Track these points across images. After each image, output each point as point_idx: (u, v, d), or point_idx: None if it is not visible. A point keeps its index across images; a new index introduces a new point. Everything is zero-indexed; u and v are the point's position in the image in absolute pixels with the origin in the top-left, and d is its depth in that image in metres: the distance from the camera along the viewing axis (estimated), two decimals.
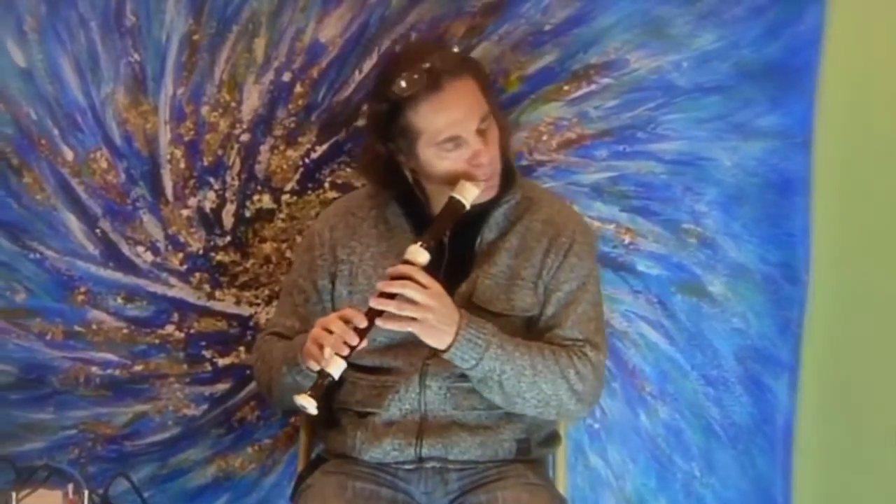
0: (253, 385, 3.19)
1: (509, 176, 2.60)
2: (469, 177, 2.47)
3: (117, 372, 3.21)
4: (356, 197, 2.73)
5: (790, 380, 3.22)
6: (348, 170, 3.20)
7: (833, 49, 3.12)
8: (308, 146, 3.20)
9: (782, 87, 3.15)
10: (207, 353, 3.23)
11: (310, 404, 2.34)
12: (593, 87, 3.17)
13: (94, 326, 3.20)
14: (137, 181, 3.19)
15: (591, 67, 3.16)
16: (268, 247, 3.21)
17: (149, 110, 3.17)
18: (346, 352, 2.36)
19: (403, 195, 2.61)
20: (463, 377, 2.53)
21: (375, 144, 2.57)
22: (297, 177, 3.21)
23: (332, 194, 3.18)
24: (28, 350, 3.18)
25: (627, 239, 3.21)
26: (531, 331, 2.56)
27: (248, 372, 3.22)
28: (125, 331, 3.21)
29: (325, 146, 3.20)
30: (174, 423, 3.23)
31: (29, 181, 3.16)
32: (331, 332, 2.37)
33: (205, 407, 3.23)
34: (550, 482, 2.69)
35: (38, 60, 3.13)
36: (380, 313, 2.38)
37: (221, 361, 3.23)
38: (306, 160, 3.20)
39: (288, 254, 3.20)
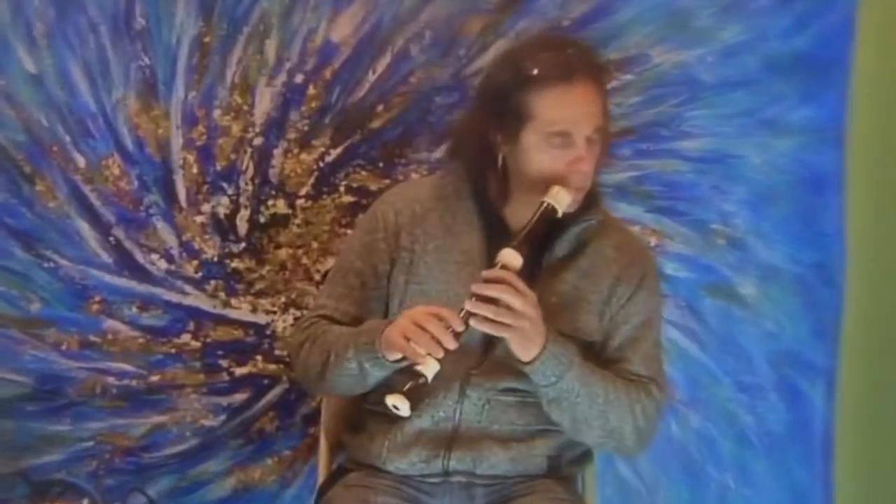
0: (272, 395, 3.22)
1: (595, 196, 2.56)
2: (563, 182, 2.41)
3: (134, 382, 3.22)
4: (425, 184, 2.66)
5: (827, 385, 3.22)
6: (364, 173, 3.20)
7: (865, 39, 3.11)
8: (322, 149, 3.19)
9: (813, 80, 3.14)
10: (224, 363, 3.24)
11: (403, 405, 2.29)
12: (614, 83, 3.13)
13: (110, 336, 3.21)
14: (150, 187, 3.19)
15: (612, 63, 3.13)
16: (283, 253, 3.21)
17: (160, 115, 3.17)
18: (440, 354, 2.30)
19: (481, 192, 2.55)
20: (506, 391, 2.50)
21: (481, 114, 2.49)
22: (311, 181, 3.21)
23: (347, 198, 3.19)
24: (43, 361, 3.18)
25: (654, 241, 3.20)
26: (589, 356, 2.52)
27: (265, 381, 3.23)
28: (141, 340, 3.22)
29: (339, 149, 3.20)
30: (192, 435, 3.24)
31: (41, 189, 3.17)
32: (423, 330, 2.32)
33: (223, 418, 3.24)
34: (580, 497, 2.66)
35: (48, 66, 3.13)
36: (474, 315, 2.34)
37: (239, 371, 3.24)
38: (321, 164, 3.20)
39: (304, 260, 3.21)
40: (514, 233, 2.44)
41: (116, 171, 3.19)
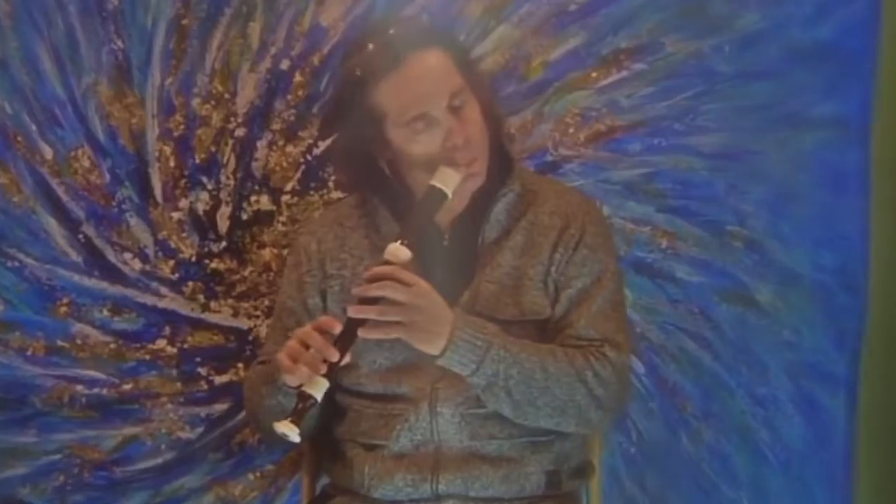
0: None
1: (504, 164, 2.54)
2: (447, 161, 2.41)
3: (105, 391, 3.19)
4: (343, 206, 2.67)
5: (848, 398, 3.19)
6: None
7: (892, 28, 3.09)
8: (310, 141, 3.17)
9: (836, 72, 3.11)
10: (203, 371, 3.21)
11: (291, 432, 2.24)
12: (625, 73, 3.13)
13: (79, 341, 3.18)
14: (123, 181, 3.17)
15: (622, 52, 3.13)
16: (267, 253, 3.19)
17: (134, 103, 3.15)
18: (324, 370, 2.27)
19: (390, 197, 2.55)
20: (479, 402, 2.45)
21: (345, 135, 2.55)
22: (298, 175, 3.18)
23: (336, 194, 3.15)
24: (7, 367, 3.16)
25: (665, 243, 3.17)
26: (545, 336, 2.49)
27: None
28: (112, 346, 3.19)
29: (328, 141, 3.14)
30: (167, 448, 3.21)
31: (5, 182, 3.14)
32: (307, 347, 2.29)
33: (201, 429, 3.21)
34: None
35: (12, 49, 3.11)
36: (361, 322, 2.30)
37: (218, 379, 3.21)
38: (308, 157, 3.18)
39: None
40: (405, 225, 2.41)
41: (86, 164, 3.17)
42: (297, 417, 2.25)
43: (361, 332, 2.30)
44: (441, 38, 2.51)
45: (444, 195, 2.38)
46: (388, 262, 2.33)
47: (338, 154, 2.65)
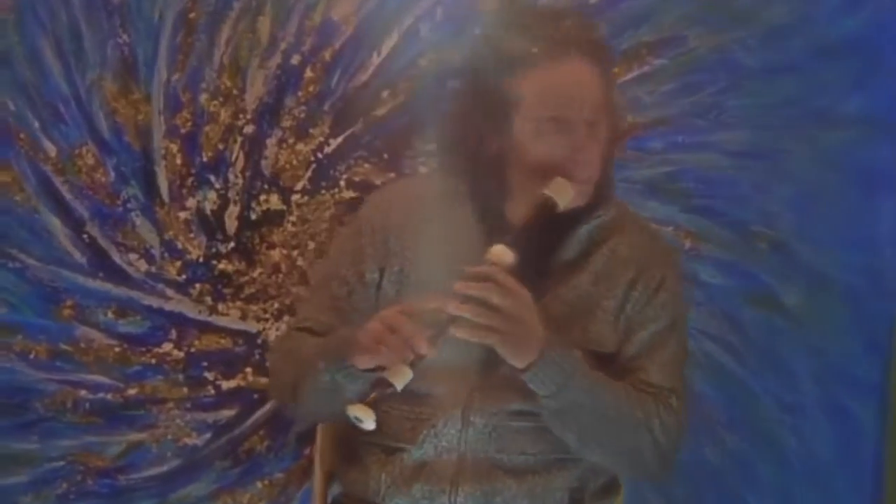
0: (262, 412, 3.20)
1: (605, 189, 2.46)
2: (564, 172, 2.32)
3: (109, 396, 3.19)
4: (417, 183, 2.61)
5: (878, 405, 3.19)
6: (367, 165, 3.18)
7: None
8: (321, 139, 3.17)
9: (865, 66, 3.12)
10: (210, 375, 3.21)
11: (367, 416, 2.14)
12: (646, 68, 3.14)
13: (83, 345, 3.18)
14: (129, 180, 3.17)
15: (644, 46, 3.13)
16: (276, 254, 3.19)
17: (140, 99, 3.15)
18: (410, 357, 2.17)
19: (481, 190, 2.45)
20: (516, 414, 2.39)
21: (467, 106, 2.41)
22: (308, 174, 3.18)
23: (348, 194, 3.16)
24: (9, 371, 3.15)
25: (688, 244, 3.17)
26: (603, 369, 2.41)
27: (255, 396, 3.20)
28: (117, 349, 3.19)
29: (339, 139, 3.17)
30: (173, 455, 3.21)
31: (7, 180, 3.13)
32: (394, 332, 2.20)
33: (208, 436, 3.21)
34: None
35: (14, 44, 3.10)
36: (454, 318, 2.23)
37: (226, 384, 3.21)
38: (319, 155, 3.18)
39: (300, 262, 3.19)
40: (511, 231, 2.34)
41: (91, 161, 3.16)
42: (374, 403, 2.17)
43: (454, 329, 2.22)
44: (601, 48, 2.42)
45: (556, 207, 2.31)
46: (489, 263, 2.25)
47: (449, 120, 2.50)
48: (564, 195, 2.30)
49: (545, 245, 2.39)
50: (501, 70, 2.33)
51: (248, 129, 3.17)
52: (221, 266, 3.20)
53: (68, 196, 3.16)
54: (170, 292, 3.20)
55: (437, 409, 2.38)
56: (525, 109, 2.33)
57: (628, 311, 2.42)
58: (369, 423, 2.14)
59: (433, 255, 2.41)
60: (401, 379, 2.15)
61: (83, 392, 3.18)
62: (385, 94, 3.15)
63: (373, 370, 2.23)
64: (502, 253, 2.24)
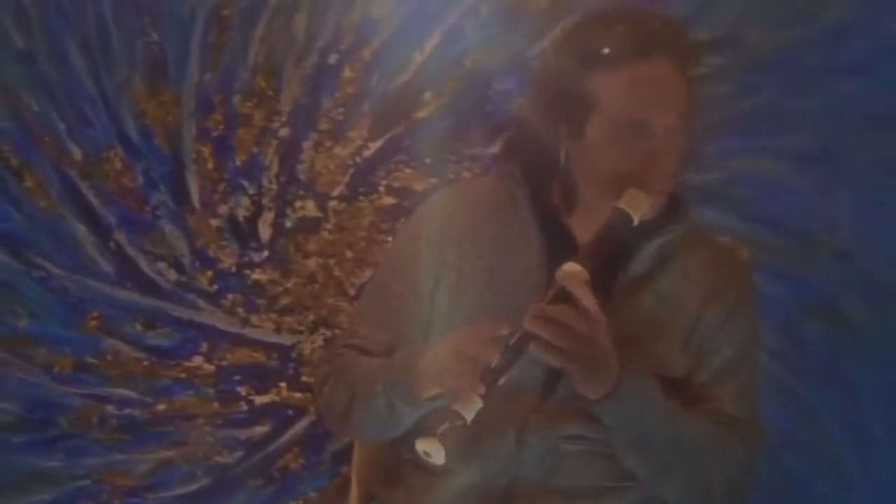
0: (297, 428, 3.21)
1: (675, 202, 2.40)
2: (639, 182, 2.24)
3: (137, 412, 3.20)
4: (474, 188, 2.51)
5: None
6: (407, 170, 3.17)
7: None
8: (359, 142, 3.17)
9: None
10: (242, 390, 3.21)
11: (437, 451, 2.10)
12: (702, 69, 2.92)
13: (109, 357, 3.19)
14: (158, 185, 3.18)
15: (699, 45, 2.93)
16: (312, 263, 3.19)
17: (170, 100, 3.15)
18: (484, 389, 2.11)
19: (542, 198, 2.39)
20: (571, 439, 2.33)
21: (539, 104, 2.34)
22: (346, 179, 3.18)
23: (388, 200, 3.17)
24: (32, 385, 3.17)
25: (745, 253, 3.06)
26: (673, 397, 2.36)
27: (290, 412, 3.21)
28: (145, 363, 3.20)
29: (379, 142, 3.17)
30: (204, 473, 3.21)
31: (31, 185, 3.15)
32: (465, 360, 2.15)
33: (240, 453, 3.22)
34: None
35: (39, 42, 3.12)
36: (532, 338, 2.16)
37: (259, 400, 3.22)
38: (357, 159, 3.17)
39: (336, 272, 3.19)
40: (581, 247, 2.27)
41: (118, 166, 3.17)
42: (448, 437, 2.10)
43: (532, 348, 2.14)
44: (688, 50, 2.36)
45: (630, 221, 2.23)
46: (563, 283, 2.17)
47: (520, 117, 2.50)
48: (639, 208, 2.22)
49: (611, 260, 2.32)
50: (579, 69, 2.26)
51: (284, 131, 3.17)
52: (255, 276, 3.20)
53: (95, 202, 3.16)
54: (200, 303, 3.20)
55: (490, 429, 2.30)
56: (603, 111, 2.26)
57: (701, 334, 2.35)
58: (439, 458, 2.09)
59: (490, 267, 2.36)
60: (471, 410, 2.10)
61: (109, 407, 3.18)
62: (427, 94, 3.13)
63: (434, 398, 2.21)
64: (577, 273, 2.16)
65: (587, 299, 2.14)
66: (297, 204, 3.17)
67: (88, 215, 3.15)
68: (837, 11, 3.07)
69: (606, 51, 2.23)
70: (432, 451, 2.08)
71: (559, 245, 2.32)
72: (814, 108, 3.09)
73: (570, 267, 2.16)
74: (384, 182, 3.16)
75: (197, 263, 3.19)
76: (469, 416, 2.09)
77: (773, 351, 3.11)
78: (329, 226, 3.17)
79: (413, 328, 2.37)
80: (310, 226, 3.18)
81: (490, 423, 2.26)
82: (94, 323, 3.16)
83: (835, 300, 3.14)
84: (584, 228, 2.31)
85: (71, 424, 3.16)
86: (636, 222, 2.22)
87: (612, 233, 2.22)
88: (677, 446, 2.26)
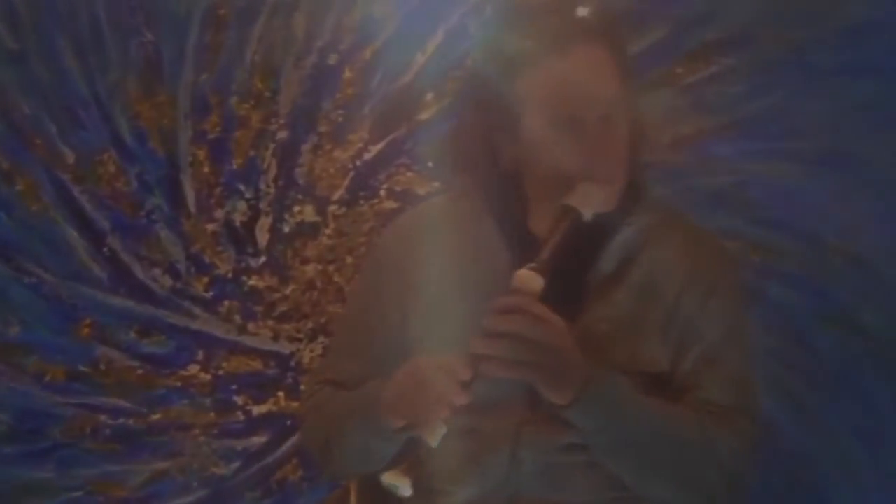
0: (295, 439, 3.19)
1: (636, 189, 2.38)
2: (586, 176, 2.22)
3: (131, 422, 3.19)
4: (434, 207, 2.51)
5: None
6: (409, 174, 3.18)
7: None
8: (360, 145, 3.17)
9: None
10: (239, 400, 3.21)
11: (403, 483, 2.11)
12: (713, 69, 3.09)
13: (103, 366, 3.18)
14: (153, 189, 3.18)
15: (710, 45, 3.09)
16: (311, 269, 3.19)
17: (165, 102, 3.16)
18: (447, 413, 2.10)
19: (500, 205, 2.40)
20: (569, 449, 2.31)
21: (470, 119, 2.35)
22: (346, 183, 3.18)
23: (389, 204, 3.17)
24: (23, 395, 3.17)
25: (757, 259, 3.11)
26: (657, 392, 2.34)
27: (288, 423, 3.20)
28: (140, 371, 3.19)
29: (380, 145, 3.16)
30: (200, 485, 3.21)
31: (22, 189, 3.16)
32: (424, 387, 2.15)
33: (237, 465, 3.21)
34: None
35: (31, 42, 3.13)
36: (484, 358, 2.17)
37: (256, 409, 3.21)
38: (357, 162, 3.17)
39: (336, 278, 3.19)
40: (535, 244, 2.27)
41: (112, 169, 3.17)
42: (410, 469, 2.13)
43: (484, 369, 2.15)
44: (610, 32, 2.35)
45: (579, 217, 2.23)
46: (516, 291, 2.18)
47: (455, 141, 2.48)
48: (590, 202, 2.21)
49: (579, 259, 2.31)
50: (503, 74, 2.27)
51: (282, 134, 3.17)
52: (252, 282, 3.19)
53: (88, 206, 3.16)
54: (196, 310, 3.20)
55: (482, 446, 2.30)
56: (532, 114, 2.26)
57: (679, 324, 2.32)
58: (405, 490, 2.12)
59: (460, 284, 2.35)
60: (435, 437, 2.11)
61: (103, 417, 3.17)
62: (429, 96, 3.12)
63: (403, 429, 2.21)
64: (529, 279, 2.15)
65: (538, 306, 2.13)
66: (296, 208, 3.17)
67: (81, 220, 3.15)
68: (852, 11, 3.05)
69: (518, 49, 2.23)
70: (399, 483, 2.10)
71: (526, 250, 2.29)
72: (827, 110, 3.07)
73: (522, 275, 2.15)
74: (385, 186, 3.15)
75: (193, 269, 3.18)
76: (434, 442, 2.10)
77: (787, 361, 3.10)
78: (328, 231, 3.17)
79: (388, 359, 2.35)
80: (309, 231, 3.17)
81: (482, 441, 2.28)
82: (86, 330, 3.15)
83: (850, 308, 3.11)
84: (544, 230, 2.29)
85: (63, 435, 3.15)
86: (588, 218, 2.20)
87: (565, 231, 2.20)
88: (661, 444, 2.24)
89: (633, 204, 2.34)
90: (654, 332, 2.31)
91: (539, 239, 2.29)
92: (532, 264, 2.17)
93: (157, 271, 3.17)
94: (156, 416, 3.17)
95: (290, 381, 3.18)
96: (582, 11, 2.28)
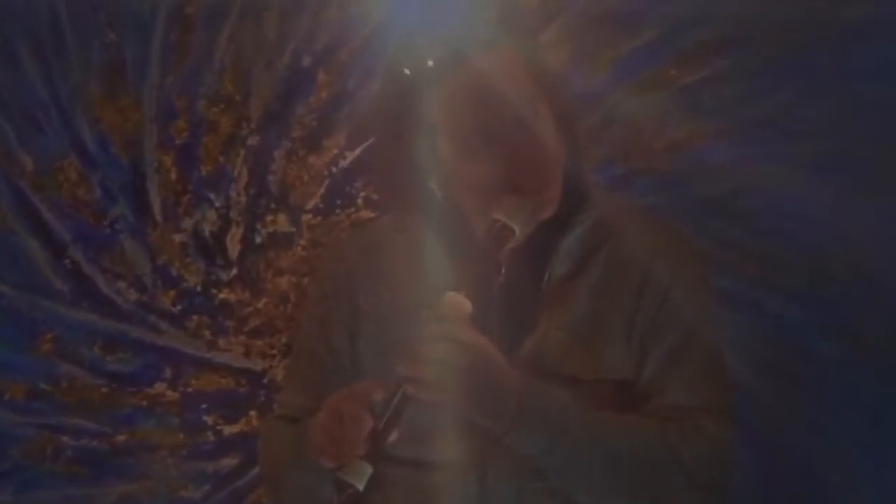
0: None
1: (578, 189, 2.34)
2: (510, 187, 2.20)
3: (95, 443, 3.17)
4: (379, 228, 2.49)
5: None
6: None
7: None
8: (335, 151, 3.15)
9: None
10: (209, 419, 3.19)
11: None
12: (708, 71, 3.07)
13: (65, 384, 3.16)
14: (116, 197, 3.16)
15: (706, 46, 3.07)
16: (285, 282, 3.18)
17: (129, 106, 3.14)
18: (365, 450, 2.08)
19: (439, 222, 2.37)
20: (540, 474, 2.25)
21: (389, 148, 2.36)
22: (321, 191, 3.17)
23: (366, 213, 3.16)
24: None
25: (755, 270, 3.09)
26: (625, 401, 2.30)
27: None
28: (104, 390, 3.18)
29: (357, 151, 3.15)
30: None
31: None
32: (341, 424, 2.13)
33: (207, 488, 3.19)
34: None
35: None
36: (410, 386, 2.13)
37: (227, 429, 3.19)
38: (333, 169, 3.16)
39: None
40: (496, 260, 2.25)
41: (73, 177, 3.15)
42: None
43: (410, 389, 2.11)
44: (508, 32, 2.34)
45: (511, 231, 2.20)
46: (444, 315, 2.15)
47: (379, 167, 2.54)
48: (517, 215, 2.20)
49: (531, 269, 2.28)
50: (410, 94, 2.26)
51: (253, 139, 3.16)
52: (222, 295, 3.19)
53: (48, 216, 3.14)
54: (164, 325, 3.18)
55: (450, 475, 2.26)
56: (446, 134, 2.24)
57: (639, 325, 2.29)
58: None
59: (411, 305, 2.29)
60: (359, 477, 2.07)
61: (65, 438, 3.16)
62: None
63: (335, 467, 2.16)
64: (457, 302, 2.14)
65: (459, 328, 2.11)
66: (268, 218, 3.16)
67: (41, 230, 3.13)
68: (854, 10, 3.04)
69: (421, 74, 2.23)
70: None
71: (477, 262, 2.26)
72: (829, 114, 3.05)
73: (450, 298, 2.13)
74: (363, 194, 3.14)
75: (159, 282, 3.17)
76: (359, 483, 2.07)
77: (787, 375, 3.06)
78: (303, 241, 3.16)
79: (336, 388, 2.28)
80: (282, 241, 3.17)
81: (450, 469, 2.24)
82: (47, 346, 3.13)
83: (852, 321, 3.08)
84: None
85: (23, 456, 3.13)
86: (518, 232, 2.19)
87: (492, 247, 2.19)
88: (618, 461, 2.20)
89: (581, 200, 2.32)
90: (615, 335, 2.27)
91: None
92: (459, 286, 2.15)
93: (121, 284, 3.14)
94: (121, 437, 3.15)
95: (262, 399, 3.16)
96: (477, 20, 2.30)
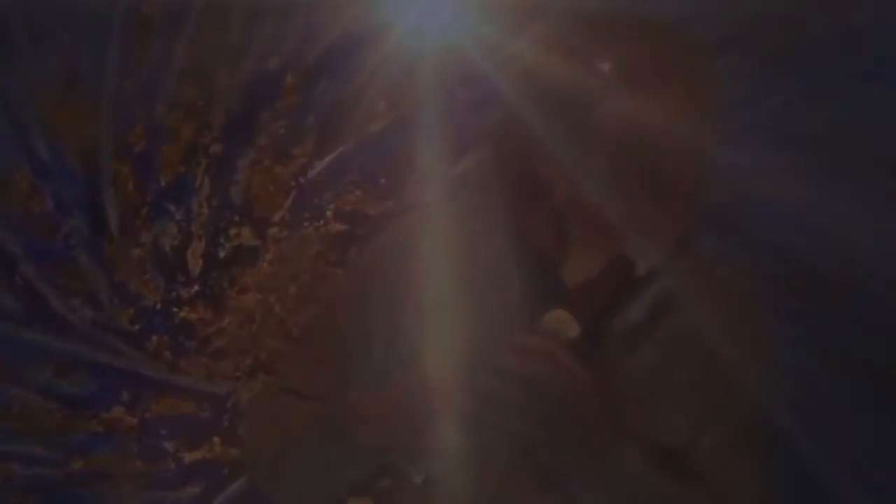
0: (233, 488, 3.20)
1: (685, 237, 2.34)
2: (646, 227, 2.19)
3: (47, 471, 3.17)
4: (443, 216, 2.44)
5: None
6: (359, 192, 3.18)
7: None
8: (303, 160, 3.15)
9: None
10: (170, 446, 3.19)
11: None
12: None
13: (15, 409, 3.16)
14: (71, 210, 3.15)
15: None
16: (249, 299, 3.18)
17: (84, 112, 3.13)
18: (429, 444, 2.06)
19: (521, 230, 2.32)
20: None
21: (517, 145, 2.27)
22: (288, 203, 3.17)
23: (336, 227, 3.15)
24: None
25: (749, 288, 2.83)
26: (673, 470, 2.25)
27: (225, 471, 3.19)
28: (58, 415, 3.17)
29: (326, 160, 3.14)
30: None
31: None
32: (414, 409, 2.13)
33: None
34: None
35: None
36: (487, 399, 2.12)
37: (189, 457, 3.19)
38: (301, 179, 3.16)
39: (277, 309, 3.21)
40: (569, 289, 2.16)
41: (25, 188, 3.15)
42: (379, 498, 2.14)
43: (484, 410, 2.08)
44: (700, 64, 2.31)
45: (633, 268, 2.20)
46: (543, 332, 2.09)
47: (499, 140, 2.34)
48: (649, 254, 2.13)
49: (602, 302, 2.20)
50: (576, 98, 2.12)
51: (216, 148, 3.15)
52: (183, 314, 3.19)
53: None
54: (121, 346, 3.18)
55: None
56: (604, 150, 2.11)
57: (706, 389, 2.22)
58: None
59: (459, 307, 2.23)
60: (415, 466, 2.06)
61: (15, 466, 3.15)
62: (382, 105, 3.09)
63: (379, 448, 2.13)
64: (564, 321, 2.02)
65: (566, 357, 2.03)
66: (232, 231, 3.16)
67: None
68: (858, 12, 2.94)
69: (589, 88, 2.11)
70: None
71: (543, 285, 2.18)
72: (827, 120, 2.93)
73: (558, 315, 2.04)
74: (332, 206, 3.13)
75: (116, 300, 3.16)
76: (418, 476, 2.04)
77: (783, 399, 2.82)
78: (269, 256, 3.16)
79: (365, 373, 2.25)
80: (246, 256, 3.17)
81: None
82: None
83: (852, 342, 2.97)
84: (572, 267, 2.19)
85: None
86: (643, 272, 2.15)
87: (612, 279, 2.14)
88: None
89: (680, 252, 2.24)
90: (678, 396, 2.22)
91: (559, 275, 2.21)
92: (567, 304, 2.08)
93: (76, 302, 3.14)
94: (76, 465, 3.15)
95: (226, 424, 3.16)
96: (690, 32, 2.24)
